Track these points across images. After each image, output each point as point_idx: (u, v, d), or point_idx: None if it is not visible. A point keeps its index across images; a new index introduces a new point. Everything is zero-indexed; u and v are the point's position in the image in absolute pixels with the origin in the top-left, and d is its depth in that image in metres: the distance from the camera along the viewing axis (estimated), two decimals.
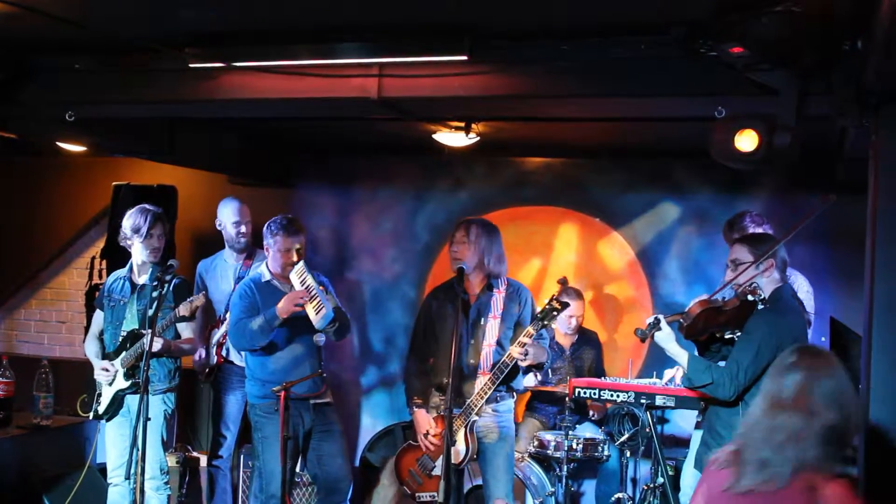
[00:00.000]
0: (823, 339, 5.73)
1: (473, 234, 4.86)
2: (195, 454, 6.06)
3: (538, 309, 4.71)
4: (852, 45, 3.63)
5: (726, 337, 4.12)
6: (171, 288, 4.95)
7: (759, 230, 5.06)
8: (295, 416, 4.98)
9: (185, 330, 5.16)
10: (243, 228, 5.90)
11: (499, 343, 4.85)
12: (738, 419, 3.90)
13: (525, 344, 4.63)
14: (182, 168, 6.72)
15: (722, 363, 4.06)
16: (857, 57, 3.64)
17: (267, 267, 5.13)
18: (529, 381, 5.76)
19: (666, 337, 4.00)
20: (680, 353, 4.01)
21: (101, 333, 5.27)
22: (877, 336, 3.70)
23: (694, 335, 4.13)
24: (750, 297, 4.00)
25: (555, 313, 4.61)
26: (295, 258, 4.94)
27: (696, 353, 4.34)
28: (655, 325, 3.97)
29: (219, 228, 5.99)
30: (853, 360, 5.10)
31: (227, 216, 5.94)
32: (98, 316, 5.32)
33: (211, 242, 6.35)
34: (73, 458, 5.68)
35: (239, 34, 4.32)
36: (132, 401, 5.08)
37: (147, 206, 5.17)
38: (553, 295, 4.64)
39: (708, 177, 6.32)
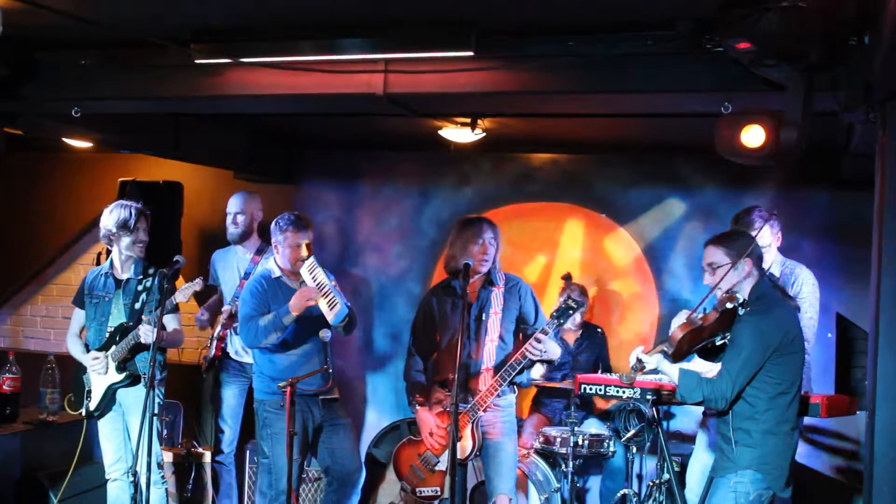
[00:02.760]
0: (830, 335, 5.71)
1: (498, 233, 4.92)
2: (200, 450, 6.06)
3: (553, 308, 4.73)
4: (859, 40, 3.63)
5: (717, 344, 4.05)
6: (155, 281, 4.94)
7: (767, 226, 5.03)
8: (305, 411, 4.99)
9: (172, 322, 5.08)
10: (229, 218, 6.01)
11: (501, 338, 4.86)
12: (732, 424, 3.88)
13: (541, 341, 4.65)
14: (188, 164, 6.72)
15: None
16: (864, 52, 3.63)
17: (276, 263, 5.11)
18: (536, 372, 5.75)
19: (653, 366, 3.93)
20: (671, 371, 3.94)
21: (81, 331, 5.23)
22: (883, 332, 3.69)
23: (682, 358, 4.03)
24: (728, 305, 3.89)
25: (570, 312, 4.68)
26: (305, 253, 4.94)
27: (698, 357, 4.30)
28: (639, 366, 3.90)
29: None
30: (859, 356, 5.09)
31: (228, 206, 6.05)
32: (78, 314, 5.25)
33: (216, 238, 6.37)
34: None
35: (244, 30, 4.32)
36: (122, 395, 5.07)
37: (124, 201, 5.13)
38: (568, 294, 4.77)
39: (714, 172, 6.29)
